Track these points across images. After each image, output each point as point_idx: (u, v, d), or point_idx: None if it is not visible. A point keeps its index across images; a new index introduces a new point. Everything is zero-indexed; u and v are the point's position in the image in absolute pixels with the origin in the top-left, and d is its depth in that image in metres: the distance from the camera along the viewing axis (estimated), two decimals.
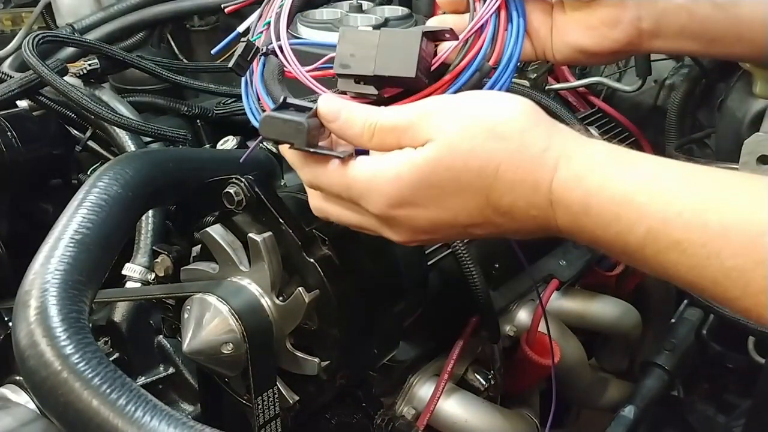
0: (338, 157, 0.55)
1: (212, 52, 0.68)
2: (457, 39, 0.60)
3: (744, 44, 0.67)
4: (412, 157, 0.53)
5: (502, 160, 0.51)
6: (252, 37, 0.64)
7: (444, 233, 0.56)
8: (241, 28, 0.64)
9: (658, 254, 0.47)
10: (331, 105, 0.56)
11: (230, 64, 0.61)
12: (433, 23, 0.68)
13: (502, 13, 0.63)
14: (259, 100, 0.62)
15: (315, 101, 0.57)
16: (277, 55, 0.62)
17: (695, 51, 0.70)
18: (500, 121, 0.52)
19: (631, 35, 0.67)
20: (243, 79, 0.63)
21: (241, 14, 1.50)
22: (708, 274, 0.45)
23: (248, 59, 0.62)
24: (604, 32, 0.67)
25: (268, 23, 0.64)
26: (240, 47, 0.61)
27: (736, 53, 0.70)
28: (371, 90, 0.57)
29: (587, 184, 0.49)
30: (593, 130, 1.08)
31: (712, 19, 0.66)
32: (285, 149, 0.59)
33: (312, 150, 0.56)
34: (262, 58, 0.62)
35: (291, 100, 0.58)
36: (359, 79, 0.57)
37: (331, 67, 0.59)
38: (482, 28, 0.61)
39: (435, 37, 0.59)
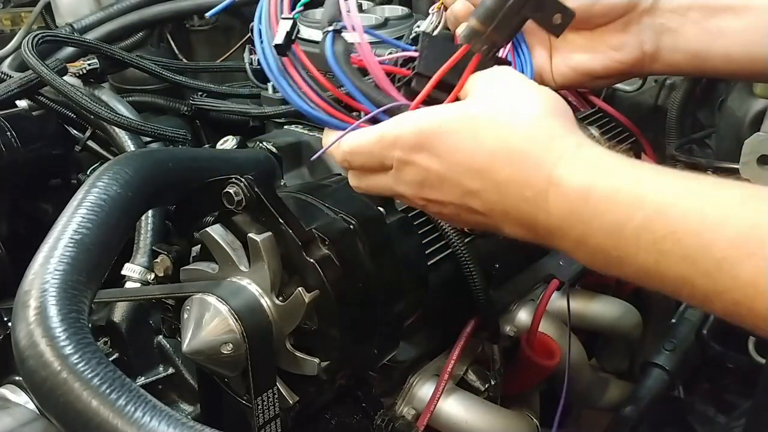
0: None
1: (208, 15, 0.63)
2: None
3: (733, 62, 0.70)
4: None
5: (515, 132, 0.53)
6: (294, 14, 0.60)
7: (445, 192, 0.57)
8: None
9: (653, 244, 0.47)
10: None
11: (275, 41, 0.58)
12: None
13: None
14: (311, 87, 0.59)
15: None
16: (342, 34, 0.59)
17: (692, 71, 0.75)
18: (526, 104, 0.54)
19: (636, 57, 0.71)
20: (272, 67, 0.60)
21: (240, 14, 1.50)
22: (700, 266, 0.46)
23: (293, 39, 0.59)
24: (611, 55, 0.71)
25: (304, 3, 0.61)
26: (287, 24, 0.58)
27: (729, 71, 0.73)
28: (443, 96, 0.59)
29: (591, 171, 0.50)
30: (593, 130, 1.08)
31: (702, 39, 0.70)
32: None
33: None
34: (330, 35, 0.59)
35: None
36: (442, 86, 0.59)
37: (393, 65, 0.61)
38: None
39: None
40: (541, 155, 0.52)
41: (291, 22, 0.59)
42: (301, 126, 1.10)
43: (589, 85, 0.76)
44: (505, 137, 0.53)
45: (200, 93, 1.23)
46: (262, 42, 0.61)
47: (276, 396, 0.71)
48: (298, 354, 0.72)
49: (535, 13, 0.59)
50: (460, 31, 0.59)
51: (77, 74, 1.11)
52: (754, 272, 0.43)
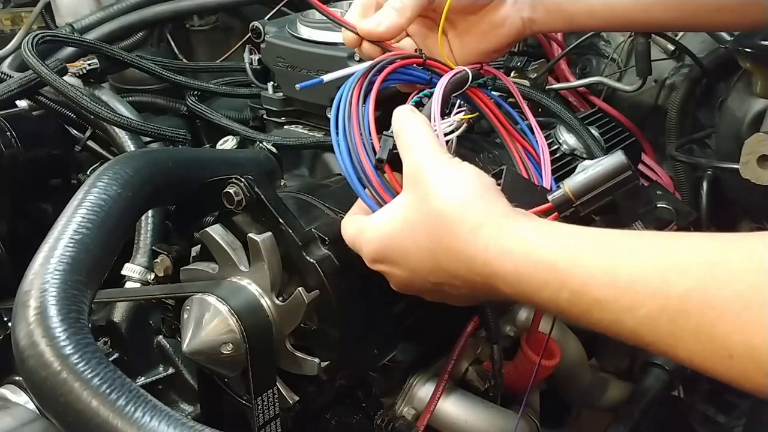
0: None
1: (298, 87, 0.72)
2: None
3: (596, 17, 0.81)
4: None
5: (444, 229, 0.57)
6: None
7: (420, 288, 0.63)
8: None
9: (584, 313, 0.51)
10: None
11: (379, 156, 0.64)
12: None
13: None
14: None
15: None
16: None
17: (564, 28, 0.88)
18: (450, 196, 0.58)
19: (518, 26, 0.80)
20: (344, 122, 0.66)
21: (240, 14, 1.50)
22: (626, 326, 0.49)
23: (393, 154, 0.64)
24: (496, 31, 0.79)
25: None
26: (389, 141, 0.64)
27: (593, 25, 0.91)
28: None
29: (515, 256, 0.54)
30: (593, 130, 1.08)
31: None
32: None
33: None
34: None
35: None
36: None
37: None
38: None
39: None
40: (471, 247, 0.56)
41: (392, 140, 0.64)
42: (301, 126, 1.10)
43: (487, 60, 0.84)
44: (438, 236, 0.58)
45: (195, 93, 1.22)
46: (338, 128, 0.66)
47: (276, 396, 0.71)
48: (298, 354, 0.72)
49: (625, 200, 0.60)
50: (553, 197, 0.60)
51: (77, 74, 1.11)
52: (670, 324, 0.47)
